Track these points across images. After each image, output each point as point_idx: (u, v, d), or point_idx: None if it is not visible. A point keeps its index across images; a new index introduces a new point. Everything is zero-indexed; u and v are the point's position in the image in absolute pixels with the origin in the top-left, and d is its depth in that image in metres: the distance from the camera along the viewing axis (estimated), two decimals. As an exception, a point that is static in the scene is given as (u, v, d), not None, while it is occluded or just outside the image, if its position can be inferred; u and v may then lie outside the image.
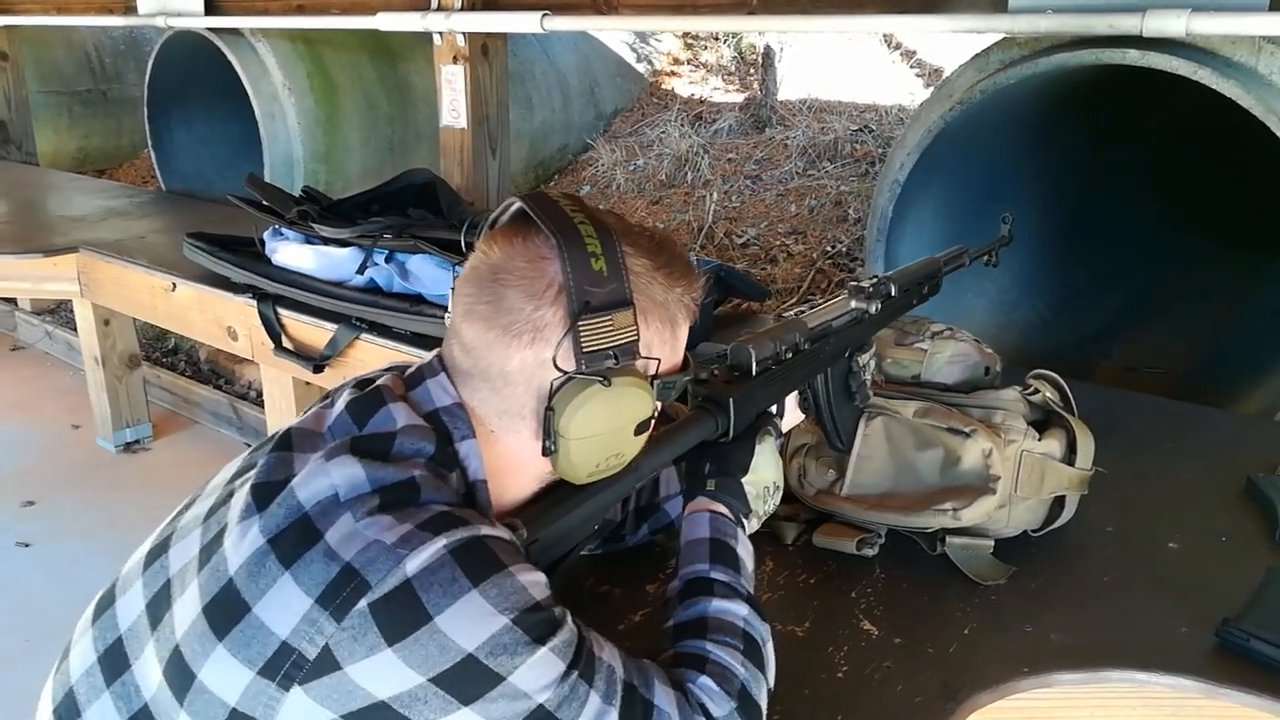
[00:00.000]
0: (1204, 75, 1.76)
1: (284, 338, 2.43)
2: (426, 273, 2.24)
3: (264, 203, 2.59)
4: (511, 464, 0.87)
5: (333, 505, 0.75)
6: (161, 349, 4.00)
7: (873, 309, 1.20)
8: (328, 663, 0.70)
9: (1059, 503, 1.25)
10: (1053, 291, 2.82)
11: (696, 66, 5.87)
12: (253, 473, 0.80)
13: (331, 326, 2.29)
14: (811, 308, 1.18)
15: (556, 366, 0.81)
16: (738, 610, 0.91)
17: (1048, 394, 1.29)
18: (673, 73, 5.82)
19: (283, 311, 2.41)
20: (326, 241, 2.43)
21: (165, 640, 0.76)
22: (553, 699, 0.73)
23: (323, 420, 0.85)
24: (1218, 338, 2.64)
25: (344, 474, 0.76)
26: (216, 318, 2.59)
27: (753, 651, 0.89)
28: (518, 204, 0.85)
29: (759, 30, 4.94)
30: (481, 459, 0.84)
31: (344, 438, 0.81)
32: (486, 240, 0.86)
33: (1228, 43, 1.82)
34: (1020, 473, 1.21)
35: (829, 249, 3.86)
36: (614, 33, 5.44)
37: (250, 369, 3.56)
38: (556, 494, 0.90)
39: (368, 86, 4.24)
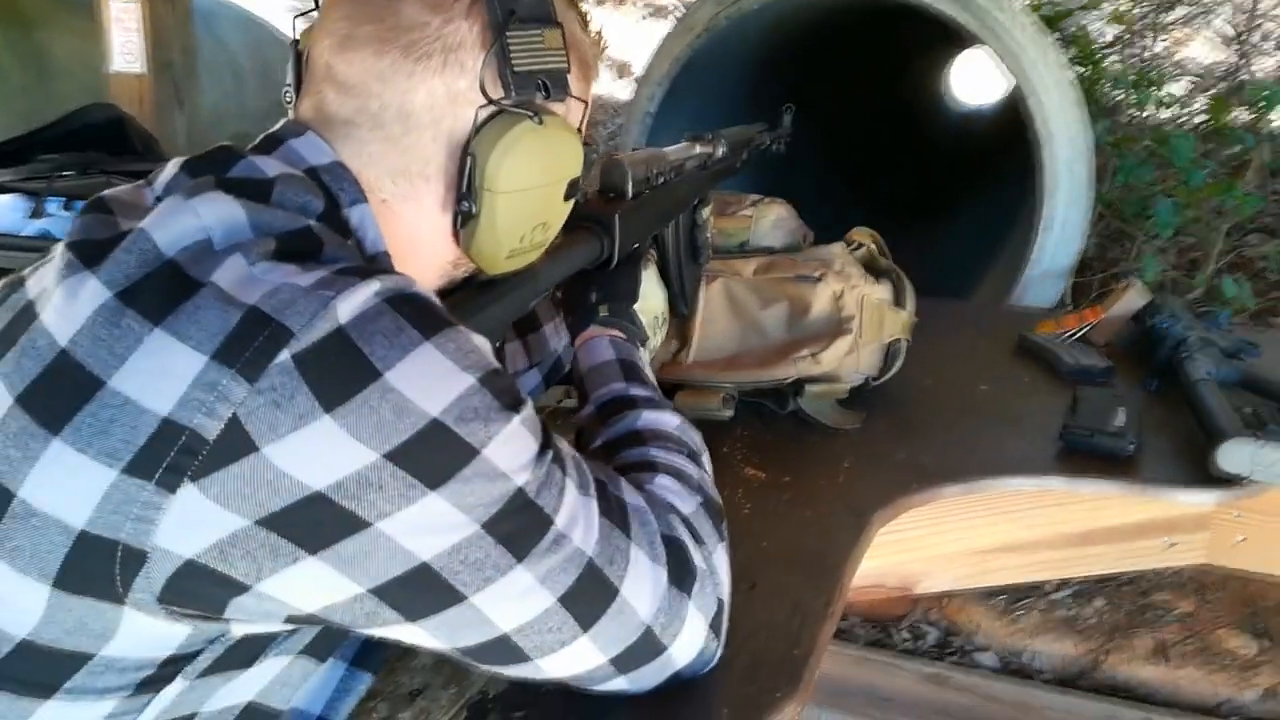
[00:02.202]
0: (925, -3, 1.92)
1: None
2: (126, 212, 1.88)
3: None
4: (406, 247, 0.68)
5: (207, 252, 0.54)
6: None
7: (718, 152, 1.14)
8: (237, 443, 0.49)
9: (894, 350, 1.27)
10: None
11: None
12: (61, 241, 0.57)
13: (-3, 283, 1.85)
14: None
15: (484, 93, 0.64)
16: (670, 419, 0.80)
17: (870, 246, 1.32)
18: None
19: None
20: (-21, 187, 1.97)
21: None
22: (532, 482, 0.57)
23: (142, 194, 0.63)
24: (930, 267, 2.89)
25: (217, 213, 0.56)
26: None
27: (696, 458, 0.78)
28: None
29: None
30: (379, 229, 0.65)
31: (203, 178, 0.59)
32: None
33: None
34: (863, 317, 1.21)
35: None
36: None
37: None
38: (456, 295, 0.73)
39: (-7, 51, 3.57)
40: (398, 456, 0.52)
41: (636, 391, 0.82)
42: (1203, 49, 4.74)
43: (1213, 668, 1.90)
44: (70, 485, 0.50)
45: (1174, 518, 1.19)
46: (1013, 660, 2.02)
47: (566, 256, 0.88)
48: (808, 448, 1.13)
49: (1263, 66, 4.45)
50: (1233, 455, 1.04)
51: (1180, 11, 3.94)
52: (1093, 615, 2.13)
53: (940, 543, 1.12)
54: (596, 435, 0.80)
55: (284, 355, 0.50)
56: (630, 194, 0.95)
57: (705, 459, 0.80)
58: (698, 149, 1.13)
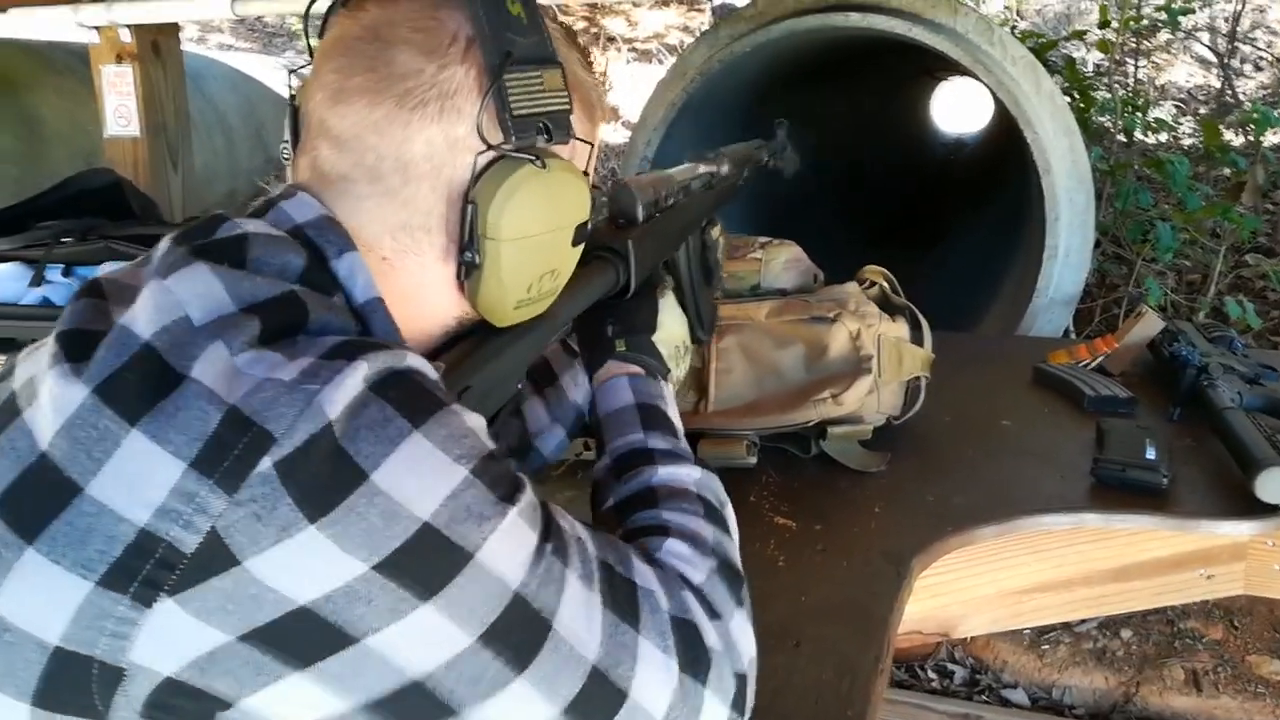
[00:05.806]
0: (918, 33, 1.93)
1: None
2: (125, 278, 1.86)
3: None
4: (410, 305, 0.65)
5: (187, 333, 0.52)
6: None
7: (722, 169, 1.12)
8: (217, 556, 0.47)
9: (914, 388, 1.25)
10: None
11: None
12: (54, 327, 0.55)
13: (-3, 354, 1.82)
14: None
15: (483, 139, 0.62)
16: (688, 474, 0.75)
17: (883, 284, 1.30)
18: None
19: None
20: (-23, 257, 1.95)
21: None
22: (530, 582, 0.53)
23: (140, 274, 0.60)
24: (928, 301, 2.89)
25: (194, 287, 0.53)
26: None
27: (715, 515, 0.73)
28: None
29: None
30: (370, 275, 0.62)
31: (179, 249, 0.57)
32: (351, 5, 0.65)
33: (929, 6, 2.02)
34: (881, 356, 1.20)
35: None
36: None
37: None
38: (473, 338, 0.70)
39: (-18, 119, 3.58)
40: (387, 568, 0.49)
41: (655, 444, 0.78)
42: (1183, 72, 4.81)
43: (1247, 695, 1.87)
44: (44, 598, 0.47)
45: (1210, 549, 1.16)
46: (1043, 696, 1.98)
47: (582, 290, 0.84)
48: (836, 493, 1.10)
49: (1244, 88, 4.52)
50: (1271, 485, 1.02)
51: (1162, 37, 3.99)
52: (1121, 647, 2.09)
53: (976, 585, 1.10)
54: (610, 493, 0.75)
55: (265, 463, 0.48)
56: (641, 219, 0.91)
57: (728, 513, 0.75)
58: (702, 168, 1.11)
